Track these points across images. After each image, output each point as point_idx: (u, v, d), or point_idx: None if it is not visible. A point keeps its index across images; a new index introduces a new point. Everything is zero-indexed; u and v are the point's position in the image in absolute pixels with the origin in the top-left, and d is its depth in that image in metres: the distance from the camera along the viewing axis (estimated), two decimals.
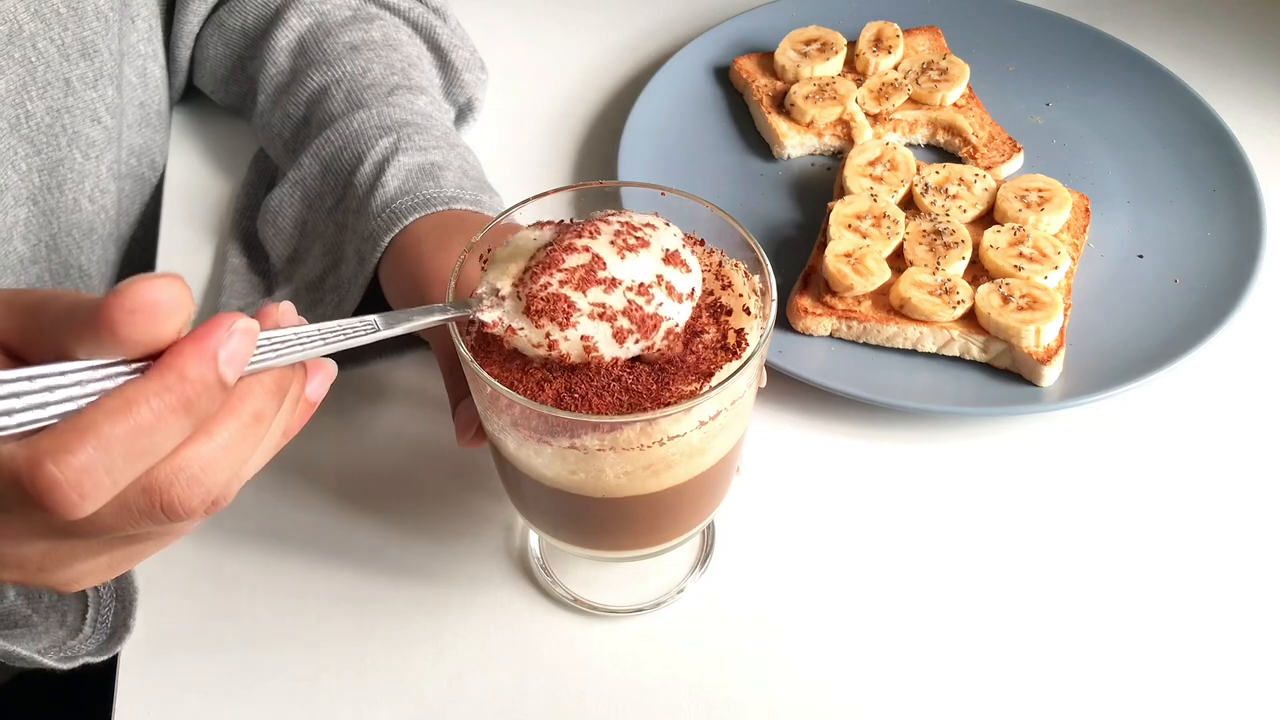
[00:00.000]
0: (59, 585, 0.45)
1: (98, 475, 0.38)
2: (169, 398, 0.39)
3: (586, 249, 0.53)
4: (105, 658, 0.66)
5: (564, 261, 0.53)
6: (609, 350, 0.53)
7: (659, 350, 0.55)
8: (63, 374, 0.39)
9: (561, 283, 0.52)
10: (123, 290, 0.38)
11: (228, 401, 0.41)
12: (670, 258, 0.54)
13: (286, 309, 0.45)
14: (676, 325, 0.54)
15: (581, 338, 0.52)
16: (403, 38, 0.87)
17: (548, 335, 0.52)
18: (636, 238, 0.54)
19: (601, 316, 0.52)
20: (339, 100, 0.81)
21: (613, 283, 0.53)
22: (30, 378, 0.38)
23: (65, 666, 0.63)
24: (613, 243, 0.54)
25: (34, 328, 0.41)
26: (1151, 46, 0.98)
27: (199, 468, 0.41)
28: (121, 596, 0.66)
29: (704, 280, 0.59)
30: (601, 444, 0.53)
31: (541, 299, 0.52)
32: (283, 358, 0.43)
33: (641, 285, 0.53)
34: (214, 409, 0.41)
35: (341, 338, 0.46)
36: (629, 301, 0.53)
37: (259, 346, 0.42)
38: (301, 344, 0.44)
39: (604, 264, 0.53)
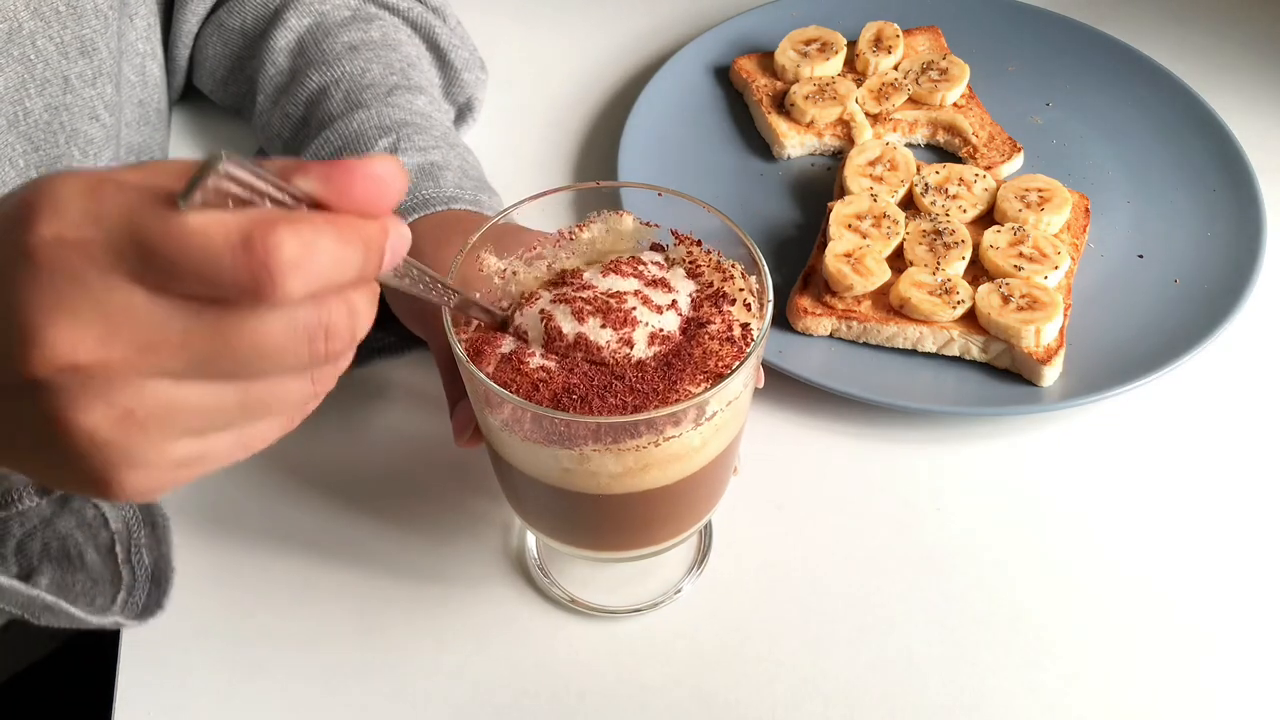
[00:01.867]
0: (132, 464, 0.43)
1: (315, 259, 0.39)
2: (361, 231, 0.41)
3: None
4: (139, 623, 0.65)
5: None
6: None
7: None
8: (289, 190, 0.41)
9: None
10: (362, 159, 0.41)
11: (372, 282, 0.44)
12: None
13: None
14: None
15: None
16: (402, 38, 0.87)
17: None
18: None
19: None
20: (338, 100, 0.81)
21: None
22: (270, 178, 0.40)
23: (96, 620, 0.62)
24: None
25: None
26: (1151, 46, 0.98)
27: (356, 309, 0.43)
28: (157, 578, 0.65)
29: (704, 273, 0.59)
30: (597, 444, 0.53)
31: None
32: (414, 286, 0.49)
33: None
34: (372, 276, 0.43)
35: (449, 295, 0.52)
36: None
37: (405, 270, 0.48)
38: (430, 288, 0.51)
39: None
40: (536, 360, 0.55)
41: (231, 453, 0.46)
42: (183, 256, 0.38)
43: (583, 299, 0.56)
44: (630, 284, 0.58)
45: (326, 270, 0.40)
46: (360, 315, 0.43)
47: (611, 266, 0.58)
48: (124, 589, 0.65)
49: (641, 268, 0.58)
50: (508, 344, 0.56)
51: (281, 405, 0.45)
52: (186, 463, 0.44)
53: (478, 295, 0.55)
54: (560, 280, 0.59)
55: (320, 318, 0.42)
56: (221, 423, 0.44)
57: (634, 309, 0.56)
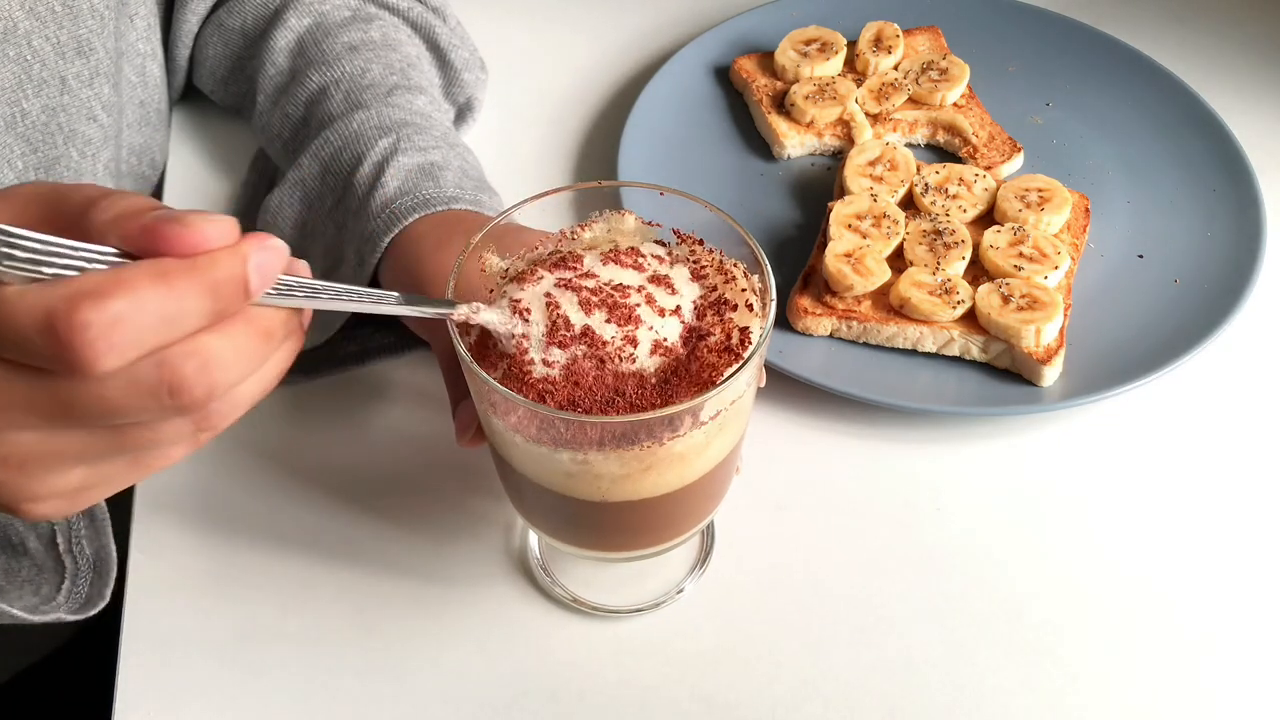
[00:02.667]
0: (28, 499, 0.45)
1: (127, 330, 0.39)
2: (200, 278, 0.40)
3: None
4: (79, 617, 0.66)
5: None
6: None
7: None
8: (93, 251, 0.40)
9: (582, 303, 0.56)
10: (183, 221, 0.40)
11: (244, 313, 0.43)
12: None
13: (303, 265, 0.47)
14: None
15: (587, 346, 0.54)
16: (402, 38, 0.87)
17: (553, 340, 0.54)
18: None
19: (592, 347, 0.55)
20: (338, 101, 0.81)
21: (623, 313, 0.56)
22: (63, 243, 0.39)
23: (37, 619, 0.63)
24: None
25: (52, 216, 0.42)
26: (1151, 46, 0.98)
27: (212, 355, 0.42)
28: (99, 568, 0.66)
29: (707, 276, 0.59)
30: (601, 445, 0.53)
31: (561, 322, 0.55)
32: (305, 300, 0.46)
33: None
34: (235, 309, 0.42)
35: (358, 299, 0.48)
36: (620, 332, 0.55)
37: (289, 285, 0.45)
38: (326, 295, 0.47)
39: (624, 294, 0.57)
40: (539, 369, 0.54)
41: (129, 475, 0.46)
42: (2, 335, 0.39)
43: (588, 289, 0.56)
44: (633, 277, 0.57)
45: (150, 334, 0.40)
46: (216, 362, 0.42)
47: (611, 255, 0.58)
48: (68, 577, 0.66)
49: (641, 260, 0.58)
50: (495, 315, 0.55)
51: (164, 441, 0.44)
52: (84, 488, 0.45)
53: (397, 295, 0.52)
54: (560, 262, 0.58)
55: (162, 375, 0.41)
56: (106, 456, 0.44)
57: (638, 306, 0.56)
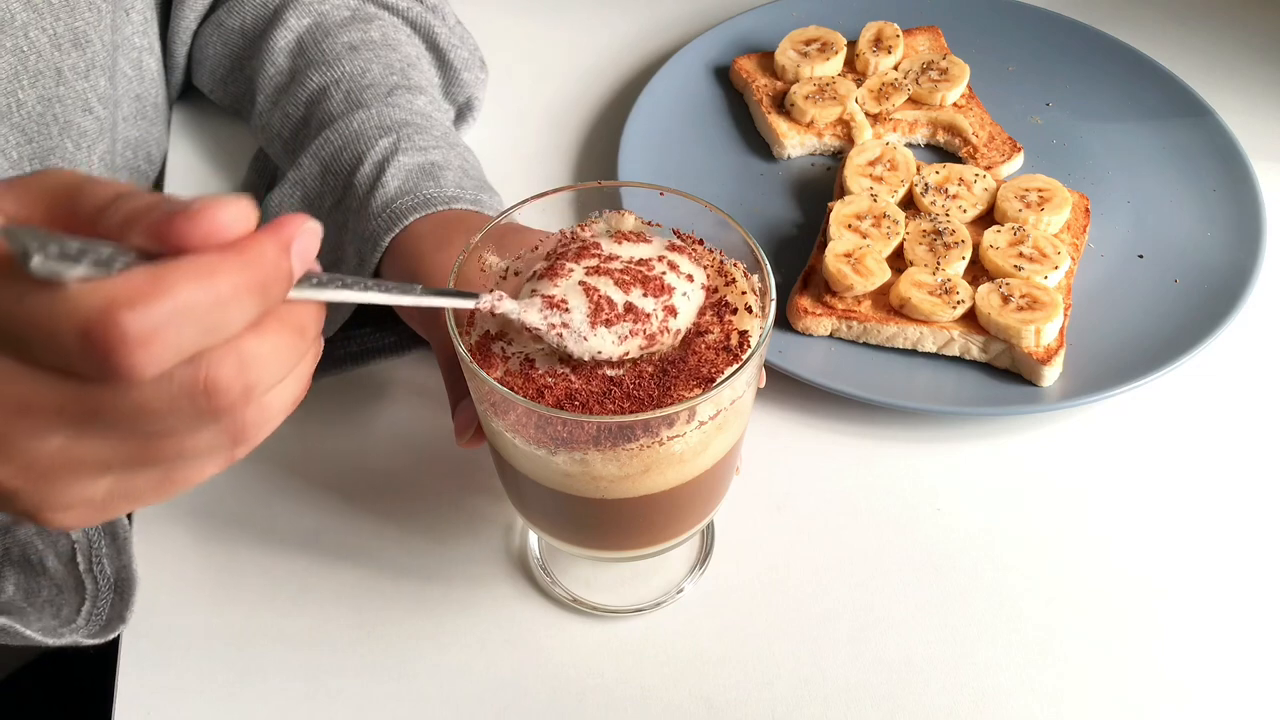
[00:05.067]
0: (51, 508, 0.43)
1: (168, 337, 0.37)
2: (249, 274, 0.38)
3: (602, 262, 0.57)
4: (98, 641, 0.66)
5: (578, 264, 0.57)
6: (612, 345, 0.55)
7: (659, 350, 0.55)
8: (122, 250, 0.38)
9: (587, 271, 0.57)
10: (196, 215, 0.38)
11: (276, 311, 0.41)
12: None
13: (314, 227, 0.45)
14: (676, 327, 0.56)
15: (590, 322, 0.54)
16: (401, 38, 0.87)
17: (561, 321, 0.54)
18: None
19: (607, 310, 0.55)
20: (338, 100, 0.81)
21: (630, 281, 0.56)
22: (92, 242, 0.37)
23: (53, 641, 0.63)
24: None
25: (65, 216, 0.40)
26: (1151, 46, 0.98)
27: (248, 353, 0.40)
28: (120, 589, 0.66)
29: (708, 277, 0.59)
30: (600, 445, 0.53)
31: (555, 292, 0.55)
32: (338, 292, 0.44)
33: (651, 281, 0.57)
34: (279, 302, 0.40)
35: (387, 291, 0.46)
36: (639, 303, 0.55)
37: (319, 278, 0.43)
38: (356, 287, 0.45)
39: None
40: (544, 365, 0.55)
41: (159, 491, 0.44)
42: (34, 339, 0.38)
43: (618, 270, 0.57)
44: (648, 250, 0.58)
45: (192, 340, 0.38)
46: (253, 361, 0.40)
47: (617, 237, 0.59)
48: (88, 598, 0.65)
49: (644, 235, 0.60)
50: (519, 305, 0.54)
51: (195, 453, 0.42)
52: (110, 499, 0.43)
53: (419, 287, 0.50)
54: (581, 252, 0.58)
55: (198, 375, 0.39)
56: (134, 467, 0.42)
57: (664, 274, 0.57)
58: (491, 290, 0.55)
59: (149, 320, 0.37)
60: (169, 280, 0.37)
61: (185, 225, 0.38)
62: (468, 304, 0.52)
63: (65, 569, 0.65)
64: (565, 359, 0.55)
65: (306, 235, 0.41)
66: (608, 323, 0.54)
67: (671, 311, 0.56)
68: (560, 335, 0.54)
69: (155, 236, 0.38)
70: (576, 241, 0.60)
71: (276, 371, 0.41)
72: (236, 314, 0.39)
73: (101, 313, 0.36)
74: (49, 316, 0.37)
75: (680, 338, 0.56)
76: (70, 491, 0.42)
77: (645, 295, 0.56)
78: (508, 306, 0.54)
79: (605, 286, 0.55)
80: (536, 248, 0.61)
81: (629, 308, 0.55)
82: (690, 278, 0.58)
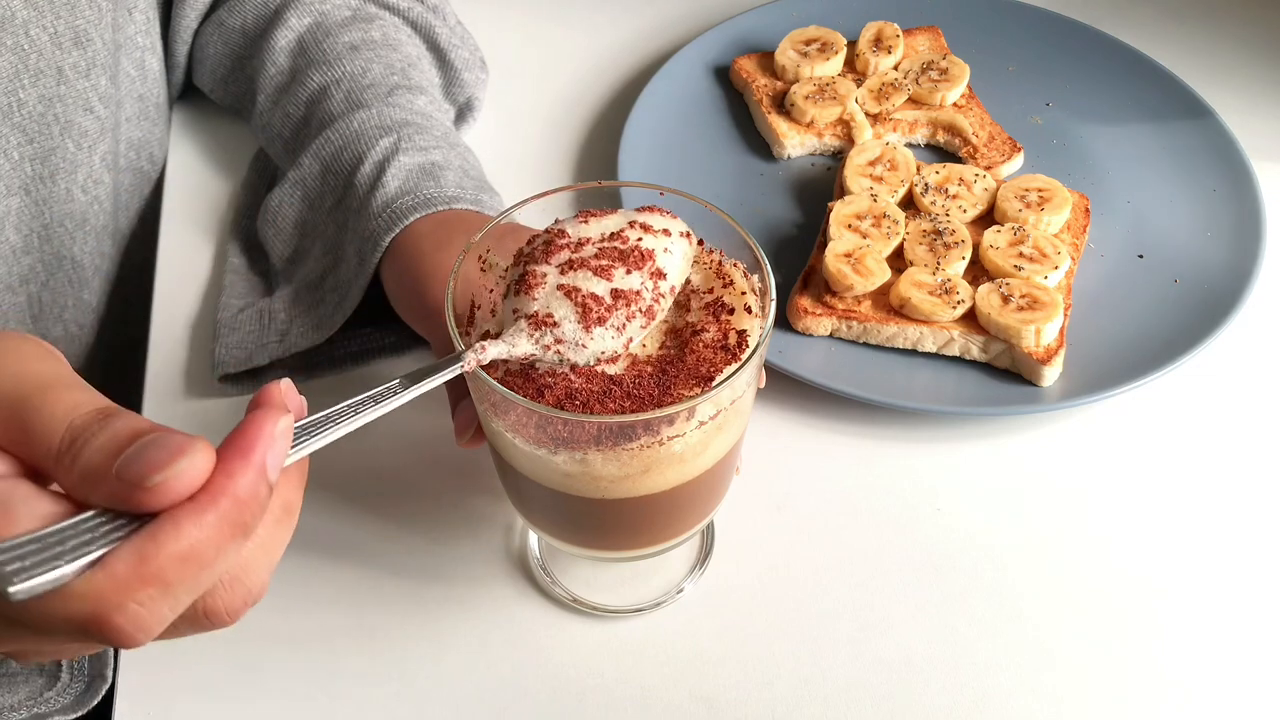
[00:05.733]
0: (49, 656, 0.45)
1: (161, 614, 0.38)
2: (226, 525, 0.39)
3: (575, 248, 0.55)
4: (78, 714, 0.65)
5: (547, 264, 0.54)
6: (610, 341, 0.53)
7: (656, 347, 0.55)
8: (90, 525, 0.38)
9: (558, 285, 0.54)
10: (157, 490, 0.38)
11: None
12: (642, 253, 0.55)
13: (288, 387, 0.44)
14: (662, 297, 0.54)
15: (583, 326, 0.53)
16: (402, 38, 0.87)
17: (555, 340, 0.53)
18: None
19: (595, 306, 0.53)
20: (339, 100, 0.81)
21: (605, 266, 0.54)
22: (60, 529, 0.38)
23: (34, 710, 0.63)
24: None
25: (16, 439, 0.40)
26: (1151, 46, 0.98)
27: (240, 570, 0.41)
28: (95, 670, 0.65)
29: (706, 278, 0.59)
30: (600, 445, 0.53)
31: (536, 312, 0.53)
32: (317, 441, 0.43)
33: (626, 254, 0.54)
34: (255, 527, 0.40)
35: (365, 408, 0.46)
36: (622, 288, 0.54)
37: (296, 438, 0.42)
38: (335, 423, 0.44)
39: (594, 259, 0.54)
40: (542, 366, 0.55)
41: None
42: (38, 632, 0.39)
43: (592, 255, 0.54)
44: (616, 221, 0.56)
45: (184, 600, 0.39)
46: (246, 573, 0.41)
47: (581, 216, 0.57)
48: (64, 669, 0.65)
49: (605, 209, 0.57)
50: (507, 344, 0.53)
51: (197, 632, 0.44)
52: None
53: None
54: (547, 249, 0.55)
55: (195, 612, 0.41)
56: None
57: (641, 240, 0.55)
58: (473, 343, 0.53)
59: (141, 612, 0.38)
60: (152, 567, 0.37)
61: (148, 500, 0.38)
62: (455, 372, 0.51)
63: None
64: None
65: (279, 440, 0.40)
66: (600, 320, 0.53)
67: (660, 275, 0.54)
68: (559, 352, 0.53)
69: (119, 504, 0.38)
70: (541, 237, 0.56)
71: (270, 563, 0.42)
72: (223, 565, 0.39)
73: (94, 615, 0.37)
74: (46, 622, 0.38)
75: (676, 294, 0.55)
76: (69, 649, 0.45)
77: (629, 272, 0.53)
78: (495, 351, 0.52)
79: (585, 282, 0.53)
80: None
81: (616, 295, 0.53)
82: (666, 232, 0.56)
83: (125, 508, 0.38)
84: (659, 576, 0.69)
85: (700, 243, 0.60)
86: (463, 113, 0.93)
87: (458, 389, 0.65)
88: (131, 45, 0.83)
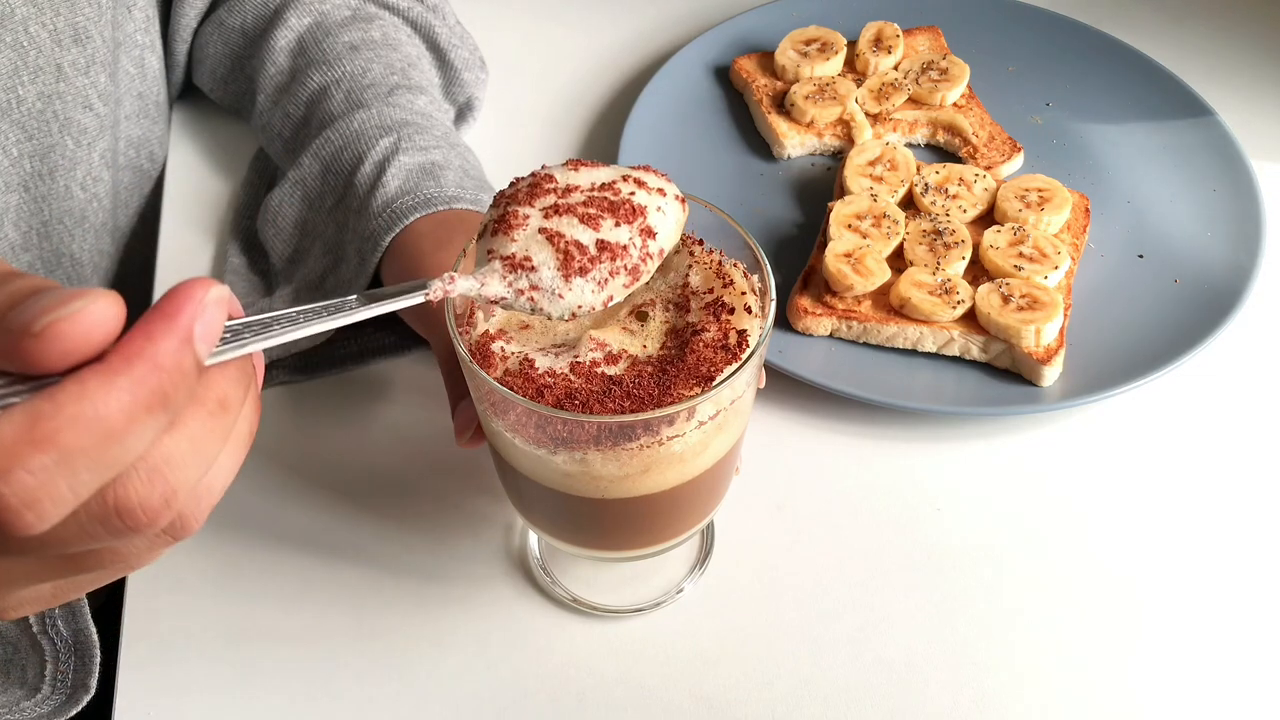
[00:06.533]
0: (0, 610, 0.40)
1: (58, 490, 0.33)
2: (142, 392, 0.33)
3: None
4: (63, 715, 0.65)
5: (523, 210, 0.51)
6: (590, 293, 0.50)
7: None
8: None
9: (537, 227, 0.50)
10: (44, 336, 0.32)
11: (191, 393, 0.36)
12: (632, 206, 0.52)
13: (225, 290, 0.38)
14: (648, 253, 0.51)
15: (562, 273, 0.49)
16: (402, 37, 0.87)
17: (529, 284, 0.49)
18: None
19: (575, 257, 0.49)
20: (339, 100, 0.81)
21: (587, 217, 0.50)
22: None
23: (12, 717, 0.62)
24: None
25: None
26: (1151, 46, 0.98)
27: (161, 460, 0.35)
28: (80, 652, 0.63)
29: (705, 278, 0.59)
30: (600, 444, 0.53)
31: (514, 251, 0.49)
32: (258, 341, 0.38)
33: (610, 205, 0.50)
34: (190, 398, 0.35)
35: (316, 317, 0.41)
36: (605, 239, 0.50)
37: (233, 330, 0.37)
38: (279, 326, 0.39)
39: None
40: (543, 365, 0.55)
41: (105, 581, 0.41)
42: None
43: (580, 203, 0.50)
44: (608, 173, 0.52)
45: (86, 483, 0.33)
46: (169, 466, 0.35)
47: (572, 164, 0.53)
48: (49, 659, 0.62)
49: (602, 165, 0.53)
50: (477, 281, 0.48)
51: (131, 554, 0.38)
52: (58, 593, 0.40)
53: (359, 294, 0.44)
54: (533, 192, 0.51)
55: (105, 504, 0.34)
56: (70, 574, 0.39)
57: (634, 194, 0.51)
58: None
59: (29, 483, 0.32)
60: (46, 429, 0.32)
61: (37, 349, 0.33)
62: (416, 299, 0.45)
63: (20, 629, 0.62)
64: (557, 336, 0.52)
65: (210, 308, 0.35)
66: (582, 271, 0.48)
67: (649, 233, 0.50)
68: (532, 300, 0.49)
69: (10, 362, 0.33)
70: (525, 180, 0.52)
71: (200, 463, 0.36)
72: (136, 442, 0.34)
73: None
74: None
75: (663, 258, 0.51)
76: (13, 597, 0.40)
77: (617, 225, 0.49)
78: (463, 286, 0.47)
79: (570, 228, 0.49)
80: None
81: (602, 246, 0.49)
82: (661, 191, 0.52)
83: (17, 365, 0.33)
84: (659, 576, 0.69)
85: (700, 242, 0.60)
86: (462, 112, 0.93)
87: (458, 389, 0.65)
88: (131, 43, 0.83)
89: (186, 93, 0.95)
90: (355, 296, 0.43)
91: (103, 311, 0.33)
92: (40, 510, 0.33)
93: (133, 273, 0.89)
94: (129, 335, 0.34)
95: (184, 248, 0.86)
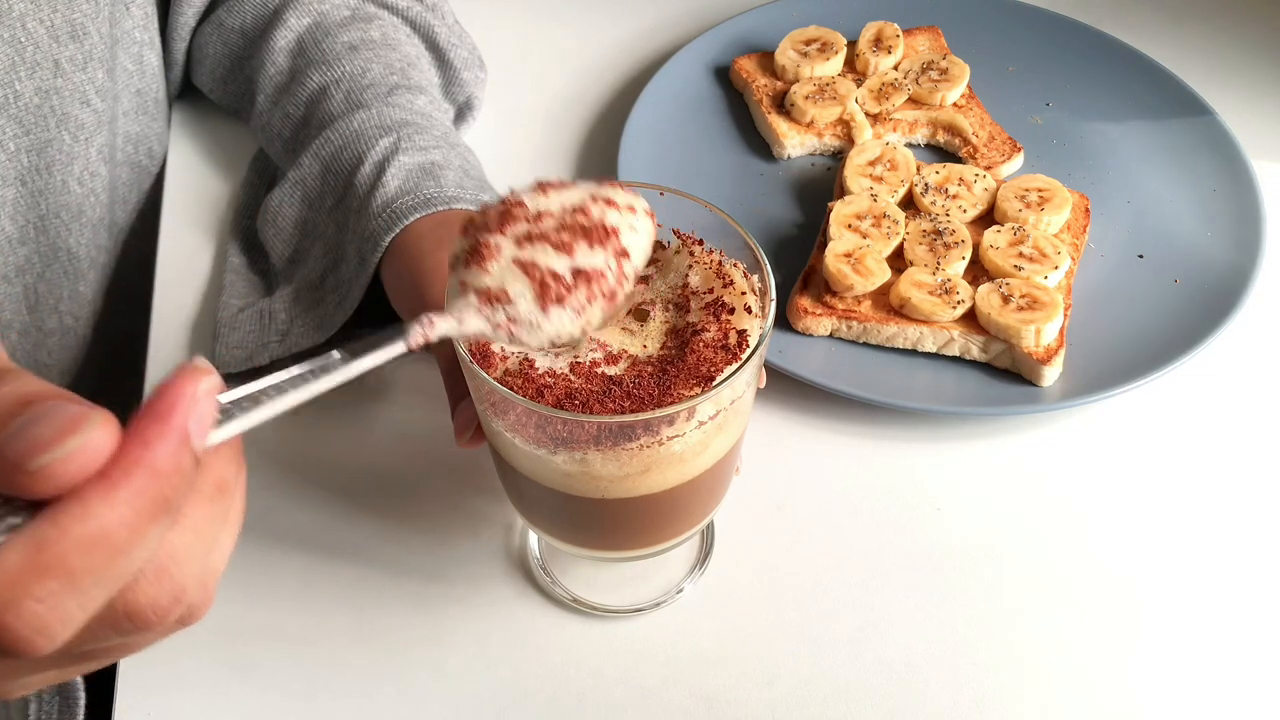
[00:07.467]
0: (6, 692, 0.39)
1: (67, 612, 0.32)
2: (144, 502, 0.33)
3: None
4: None
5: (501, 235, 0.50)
6: (568, 322, 0.49)
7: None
8: None
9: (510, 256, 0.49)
10: (42, 473, 0.32)
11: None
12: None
13: (205, 363, 0.37)
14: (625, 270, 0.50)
15: (539, 300, 0.48)
16: (401, 37, 0.87)
17: (507, 318, 0.48)
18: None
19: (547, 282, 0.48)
20: (338, 100, 0.81)
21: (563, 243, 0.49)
22: None
23: None
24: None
25: None
26: (1151, 46, 0.98)
27: (168, 558, 0.35)
28: (64, 694, 0.62)
29: (705, 278, 0.59)
30: (600, 445, 0.53)
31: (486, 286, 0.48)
32: (249, 416, 0.38)
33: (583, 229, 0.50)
34: (189, 491, 0.34)
35: (304, 381, 0.41)
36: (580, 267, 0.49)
37: (225, 409, 0.37)
38: (269, 395, 0.39)
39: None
40: (543, 365, 0.55)
41: (103, 663, 0.40)
42: None
43: (552, 229, 0.49)
44: (577, 194, 0.51)
45: (95, 599, 0.33)
46: (174, 563, 0.35)
47: (539, 187, 0.51)
48: (33, 702, 0.61)
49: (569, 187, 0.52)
50: (456, 320, 0.48)
51: (139, 646, 0.38)
52: (59, 676, 0.40)
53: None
54: (503, 220, 0.50)
55: (115, 612, 0.34)
56: (77, 664, 0.39)
57: (607, 214, 0.50)
58: (419, 318, 0.47)
59: (39, 609, 0.32)
60: (52, 554, 0.32)
61: (32, 485, 0.32)
62: (398, 347, 0.45)
63: None
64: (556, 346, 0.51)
65: (202, 402, 0.34)
66: (559, 299, 0.48)
67: (624, 255, 0.49)
68: (511, 332, 0.48)
69: (6, 488, 0.32)
70: (495, 207, 0.51)
71: (204, 551, 0.36)
72: (142, 551, 0.33)
73: None
74: None
75: (637, 277, 0.50)
76: (18, 683, 0.39)
77: (591, 248, 0.49)
78: (442, 327, 0.47)
79: (544, 257, 0.48)
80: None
81: (577, 273, 0.48)
82: (631, 209, 0.51)
83: (20, 495, 0.32)
84: (659, 576, 0.69)
85: (700, 242, 0.60)
86: (462, 112, 0.93)
87: (458, 389, 0.65)
88: (129, 40, 0.83)
89: (186, 92, 0.95)
90: (338, 354, 0.43)
91: (99, 442, 0.33)
92: (50, 634, 0.33)
93: (129, 268, 0.89)
94: (125, 443, 0.33)
95: (184, 248, 0.85)
